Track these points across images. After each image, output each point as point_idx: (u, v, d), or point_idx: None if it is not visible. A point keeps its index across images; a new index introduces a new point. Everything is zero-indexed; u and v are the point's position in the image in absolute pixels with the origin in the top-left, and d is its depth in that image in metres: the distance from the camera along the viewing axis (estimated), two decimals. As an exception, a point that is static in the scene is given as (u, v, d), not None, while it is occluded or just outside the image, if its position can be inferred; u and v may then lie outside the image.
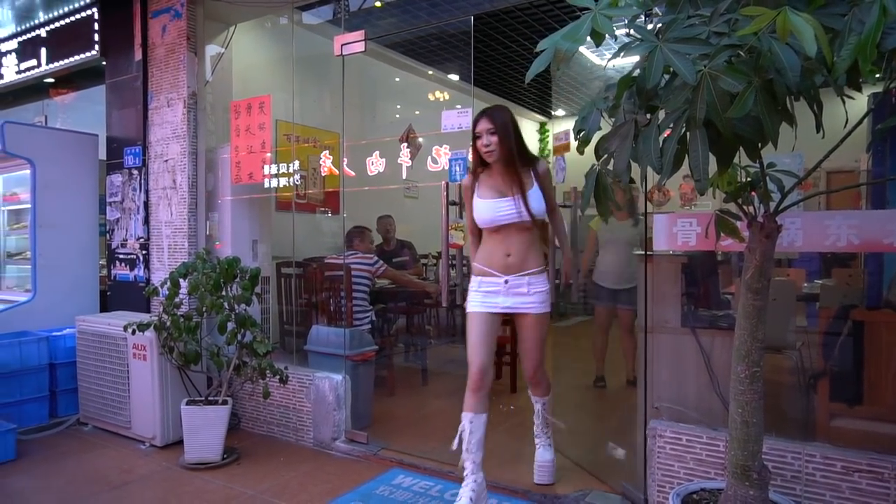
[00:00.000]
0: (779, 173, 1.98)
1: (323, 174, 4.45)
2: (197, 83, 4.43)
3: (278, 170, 4.22)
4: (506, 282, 2.72)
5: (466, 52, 3.68)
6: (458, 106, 3.44)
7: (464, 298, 2.89)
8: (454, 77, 7.28)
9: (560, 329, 6.33)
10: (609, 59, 1.81)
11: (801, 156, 2.34)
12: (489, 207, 2.70)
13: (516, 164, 2.66)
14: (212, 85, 4.58)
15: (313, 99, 5.27)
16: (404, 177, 3.87)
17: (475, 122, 2.70)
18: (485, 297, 2.75)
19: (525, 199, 2.65)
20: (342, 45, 3.68)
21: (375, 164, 3.84)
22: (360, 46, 3.65)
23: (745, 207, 2.02)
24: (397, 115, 7.51)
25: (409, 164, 3.76)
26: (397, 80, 7.24)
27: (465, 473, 2.70)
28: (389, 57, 6.74)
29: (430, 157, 3.58)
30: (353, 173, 4.06)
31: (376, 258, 4.80)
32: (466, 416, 2.70)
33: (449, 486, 3.14)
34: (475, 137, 2.70)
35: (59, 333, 4.30)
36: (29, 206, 4.75)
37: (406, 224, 6.18)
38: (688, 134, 1.58)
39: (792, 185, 1.96)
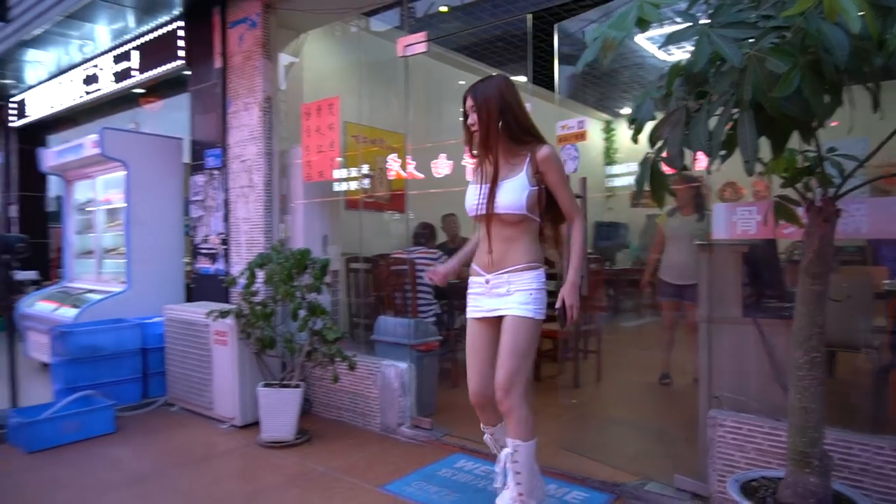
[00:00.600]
0: (840, 157, 1.97)
1: (390, 178, 4.64)
2: (271, 88, 4.70)
3: (348, 172, 4.44)
4: (486, 281, 2.39)
5: (528, 52, 3.75)
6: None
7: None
8: (521, 78, 7.35)
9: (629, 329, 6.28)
10: (660, 47, 1.86)
11: (866, 140, 2.29)
12: (467, 195, 2.45)
13: (494, 146, 2.33)
14: (284, 90, 4.86)
15: (380, 102, 5.47)
16: (469, 179, 3.96)
17: (463, 100, 2.41)
18: (472, 299, 2.46)
19: (493, 188, 2.32)
20: (405, 46, 3.84)
21: (441, 167, 3.97)
22: (422, 47, 3.80)
23: (804, 193, 2.02)
24: (461, 118, 7.63)
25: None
26: (462, 82, 7.38)
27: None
28: (455, 59, 6.88)
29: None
30: (421, 176, 4.19)
31: (440, 253, 4.94)
32: (486, 431, 2.57)
33: (509, 470, 3.23)
34: (464, 116, 2.43)
35: (149, 321, 4.66)
36: (123, 205, 5.17)
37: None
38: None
39: (852, 169, 1.94)
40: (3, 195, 8.61)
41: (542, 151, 2.33)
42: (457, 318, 5.67)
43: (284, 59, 4.91)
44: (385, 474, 3.22)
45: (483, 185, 2.36)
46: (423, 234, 5.10)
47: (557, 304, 2.36)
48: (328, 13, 4.68)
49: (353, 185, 4.50)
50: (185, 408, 4.43)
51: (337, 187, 4.60)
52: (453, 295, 5.40)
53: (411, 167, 4.22)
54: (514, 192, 2.31)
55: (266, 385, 3.78)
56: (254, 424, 3.93)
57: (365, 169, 4.44)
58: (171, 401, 4.54)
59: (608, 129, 10.65)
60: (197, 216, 5.16)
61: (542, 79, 4.23)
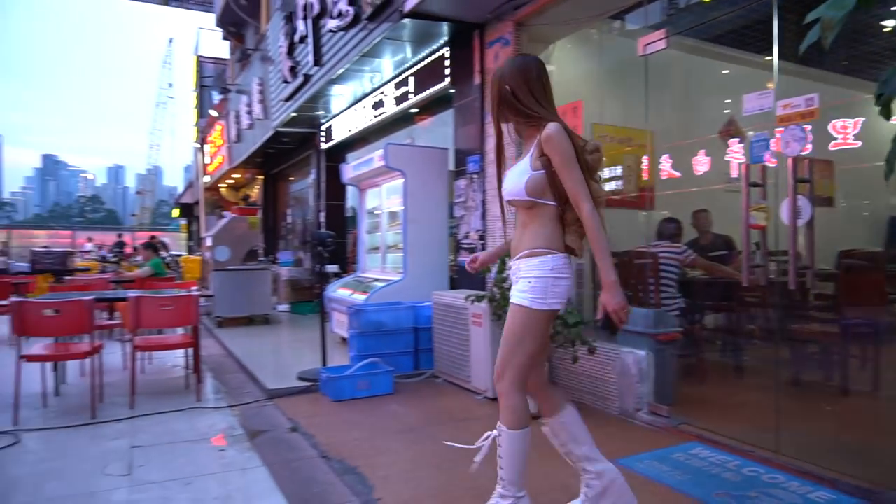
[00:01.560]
0: None
1: (644, 177, 4.78)
2: (522, 97, 5.19)
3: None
4: (509, 267, 2.43)
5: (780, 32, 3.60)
6: (769, 87, 3.41)
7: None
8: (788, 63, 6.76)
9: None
10: None
11: None
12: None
13: (497, 130, 2.38)
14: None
15: (628, 101, 5.61)
16: (734, 175, 3.87)
17: None
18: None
19: (499, 174, 2.36)
20: (645, 45, 3.98)
21: (699, 163, 4.00)
22: (661, 45, 3.91)
23: None
24: (723, 110, 7.29)
25: (742, 158, 3.80)
26: (725, 72, 7.05)
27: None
28: (713, 51, 6.64)
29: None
30: (678, 174, 4.25)
31: (685, 248, 4.91)
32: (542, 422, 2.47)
33: (748, 463, 3.19)
34: None
35: (420, 305, 5.50)
36: (402, 208, 6.16)
37: (727, 218, 6.04)
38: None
39: None
40: (315, 203, 10.68)
41: (546, 131, 2.19)
42: (704, 313, 5.53)
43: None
44: (617, 451, 3.42)
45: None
46: (669, 230, 5.11)
47: (598, 315, 2.20)
48: (576, 22, 5.02)
49: (600, 184, 4.75)
50: (448, 380, 5.14)
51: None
52: (699, 291, 5.29)
53: (666, 165, 4.30)
54: (515, 177, 2.29)
55: (513, 362, 4.24)
56: (503, 397, 4.42)
57: (618, 170, 4.65)
58: (437, 373, 5.30)
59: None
60: (459, 215, 5.91)
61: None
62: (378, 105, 7.83)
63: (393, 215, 6.82)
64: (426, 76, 6.60)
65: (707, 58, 6.76)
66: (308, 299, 10.06)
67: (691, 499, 2.83)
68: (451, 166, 6.22)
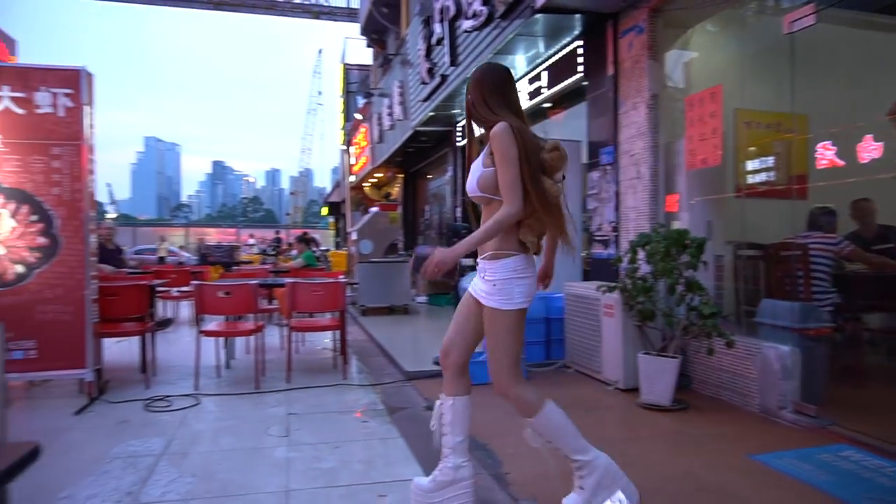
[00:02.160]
0: None
1: (795, 165, 4.50)
2: (656, 86, 5.08)
3: (735, 158, 4.50)
4: (476, 262, 2.48)
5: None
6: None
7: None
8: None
9: None
10: None
11: None
12: None
13: (467, 130, 2.44)
14: (671, 86, 5.17)
15: (776, 84, 5.27)
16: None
17: None
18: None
19: (465, 172, 2.40)
20: (791, 23, 3.76)
21: (867, 150, 3.69)
22: (810, 20, 3.67)
23: None
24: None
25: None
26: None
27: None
28: (876, 22, 6.03)
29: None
30: (841, 163, 3.95)
31: (841, 238, 4.54)
32: (440, 398, 2.57)
33: (908, 468, 2.94)
34: None
35: (552, 296, 5.56)
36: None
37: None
38: None
39: None
40: (452, 199, 11.05)
41: (493, 129, 2.26)
42: (863, 310, 5.08)
43: (672, 56, 5.23)
44: (756, 447, 3.29)
45: None
46: (823, 220, 4.74)
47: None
48: (715, 5, 4.82)
49: (744, 172, 4.54)
50: (579, 370, 5.16)
51: (722, 174, 4.70)
52: (858, 286, 4.86)
53: (826, 152, 4.02)
54: (472, 174, 2.34)
55: (646, 353, 4.19)
56: (634, 389, 4.38)
57: (759, 156, 4.43)
58: (568, 363, 5.34)
59: None
60: (592, 207, 5.88)
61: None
62: (511, 101, 7.97)
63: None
64: (559, 70, 6.62)
65: (874, 30, 6.15)
66: (445, 291, 10.44)
67: (836, 499, 2.67)
68: (584, 159, 6.20)
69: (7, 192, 4.26)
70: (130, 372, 5.31)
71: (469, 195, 2.45)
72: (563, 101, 7.19)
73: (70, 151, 4.33)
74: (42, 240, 4.30)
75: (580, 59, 6.12)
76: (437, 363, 5.45)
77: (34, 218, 4.29)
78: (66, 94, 4.32)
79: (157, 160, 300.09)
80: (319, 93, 70.11)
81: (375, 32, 18.55)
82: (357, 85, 22.93)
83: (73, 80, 4.34)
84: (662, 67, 5.15)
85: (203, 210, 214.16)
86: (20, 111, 4.27)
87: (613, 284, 4.48)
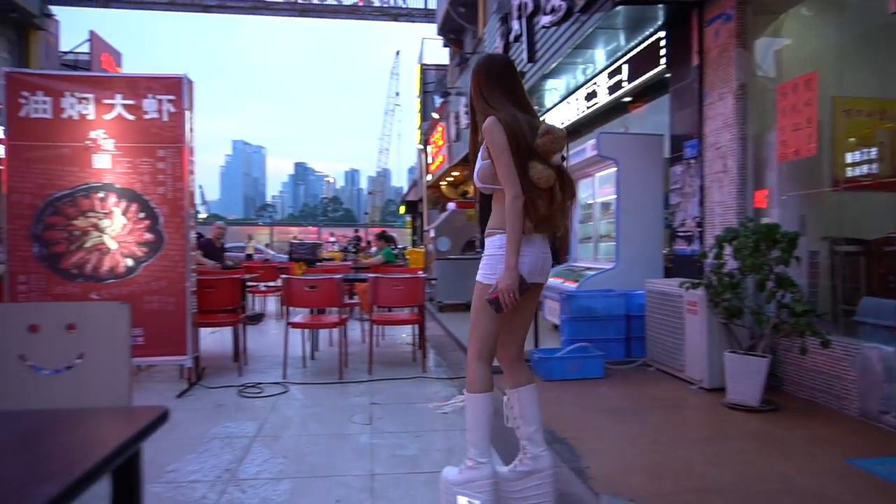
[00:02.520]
0: None
1: None
2: (745, 75, 4.88)
3: (832, 149, 4.27)
4: None
5: None
6: None
7: None
8: None
9: None
10: None
11: None
12: None
13: (471, 125, 2.61)
14: (761, 75, 4.96)
15: (879, 69, 4.96)
16: None
17: None
18: None
19: (472, 165, 2.57)
20: (897, 2, 3.52)
21: None
22: (918, -3, 3.43)
23: None
24: None
25: None
26: None
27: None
28: None
29: None
30: None
31: (953, 233, 4.21)
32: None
33: None
34: None
35: (633, 293, 5.46)
36: (613, 197, 6.15)
37: None
38: None
39: None
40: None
41: (484, 124, 2.38)
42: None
43: (762, 43, 5.01)
44: (854, 451, 3.12)
45: None
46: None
47: (490, 292, 2.34)
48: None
49: (842, 164, 4.30)
50: (660, 368, 5.04)
51: (818, 166, 4.47)
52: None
53: None
54: (476, 166, 2.50)
55: (732, 352, 4.05)
56: (720, 389, 4.24)
57: (860, 146, 4.19)
58: (649, 362, 5.23)
59: None
60: (675, 203, 5.73)
61: None
62: (591, 96, 7.86)
63: (605, 205, 6.82)
64: (640, 62, 6.48)
65: None
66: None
67: (946, 509, 2.50)
68: (667, 153, 6.05)
69: (119, 192, 4.63)
70: (224, 360, 5.65)
71: (476, 184, 2.57)
72: (644, 94, 7.03)
73: (173, 153, 4.66)
74: (148, 235, 4.65)
75: (662, 51, 5.97)
76: (514, 359, 5.48)
77: (142, 215, 4.65)
78: (170, 101, 4.65)
79: (244, 162, 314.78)
80: (397, 93, 71.28)
81: (452, 32, 18.72)
82: (434, 84, 23.20)
83: (176, 87, 4.67)
84: (751, 56, 4.95)
85: (286, 210, 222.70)
86: (130, 117, 4.63)
87: (698, 281, 4.36)
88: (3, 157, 4.51)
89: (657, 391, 4.47)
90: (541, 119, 2.56)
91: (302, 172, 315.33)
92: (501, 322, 2.48)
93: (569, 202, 2.50)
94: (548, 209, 2.38)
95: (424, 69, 24.12)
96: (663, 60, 5.97)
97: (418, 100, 25.12)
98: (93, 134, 4.59)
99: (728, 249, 4.15)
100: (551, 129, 2.40)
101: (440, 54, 22.57)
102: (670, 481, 2.81)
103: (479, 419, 2.46)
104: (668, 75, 5.95)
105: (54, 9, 19.83)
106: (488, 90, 2.49)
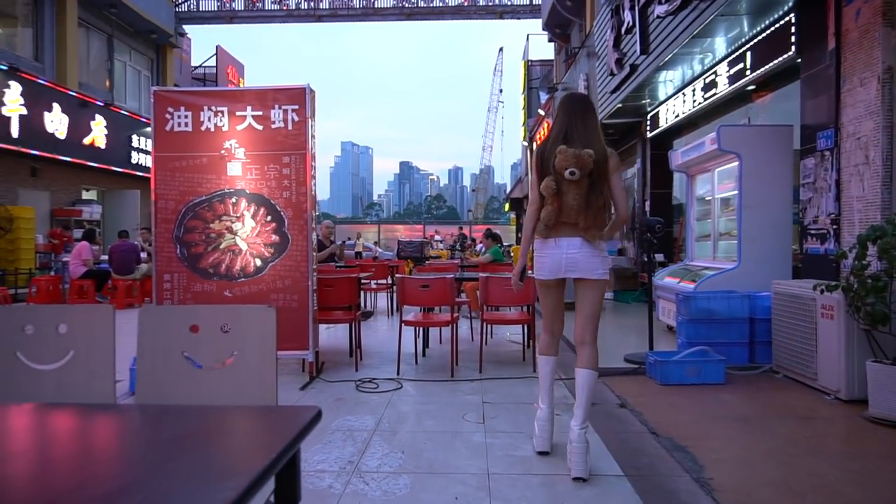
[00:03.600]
0: None
1: None
2: (892, 57, 4.45)
3: None
4: None
5: None
6: None
7: None
8: None
9: None
10: None
11: None
12: None
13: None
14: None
15: None
16: None
17: None
18: None
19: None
20: None
21: None
22: None
23: None
24: None
25: None
26: None
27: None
28: None
29: None
30: None
31: None
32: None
33: None
34: None
35: (757, 295, 5.14)
36: (734, 193, 5.81)
37: None
38: None
39: None
40: (640, 192, 10.64)
41: None
42: None
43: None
44: None
45: None
46: None
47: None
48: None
49: None
50: (789, 376, 4.72)
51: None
52: None
53: None
54: None
55: (876, 361, 3.72)
56: (859, 401, 3.91)
57: None
58: (776, 368, 4.90)
59: None
60: (806, 198, 5.32)
61: None
62: (709, 87, 7.47)
63: (725, 201, 6.46)
64: (766, 49, 6.07)
65: None
66: (632, 288, 10.11)
67: None
68: (796, 145, 5.63)
69: (249, 197, 4.98)
70: (341, 356, 5.93)
71: None
72: (768, 83, 6.59)
73: (297, 160, 4.95)
74: (275, 237, 4.97)
75: (792, 36, 5.55)
76: (628, 360, 5.35)
77: (269, 218, 4.98)
78: (294, 110, 4.94)
79: (353, 163, 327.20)
80: (500, 91, 71.18)
81: (558, 27, 18.42)
82: (539, 81, 22.96)
83: (300, 97, 4.95)
84: (899, 36, 4.50)
85: (392, 208, 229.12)
86: (259, 127, 4.97)
87: (834, 283, 4.03)
88: (152, 167, 4.98)
89: (786, 400, 4.19)
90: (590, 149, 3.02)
91: (407, 171, 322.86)
92: (546, 302, 3.31)
93: (601, 210, 3.05)
94: (565, 215, 2.99)
95: (529, 65, 23.93)
96: (793, 45, 5.56)
97: (523, 96, 24.97)
98: (227, 144, 4.97)
99: (872, 249, 3.81)
100: (562, 150, 2.95)
101: (545, 50, 22.30)
102: (806, 498, 2.63)
103: (542, 373, 3.30)
104: (798, 61, 5.53)
105: (186, 27, 21.60)
106: (554, 121, 3.21)
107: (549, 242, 3.07)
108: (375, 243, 31.37)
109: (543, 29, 19.67)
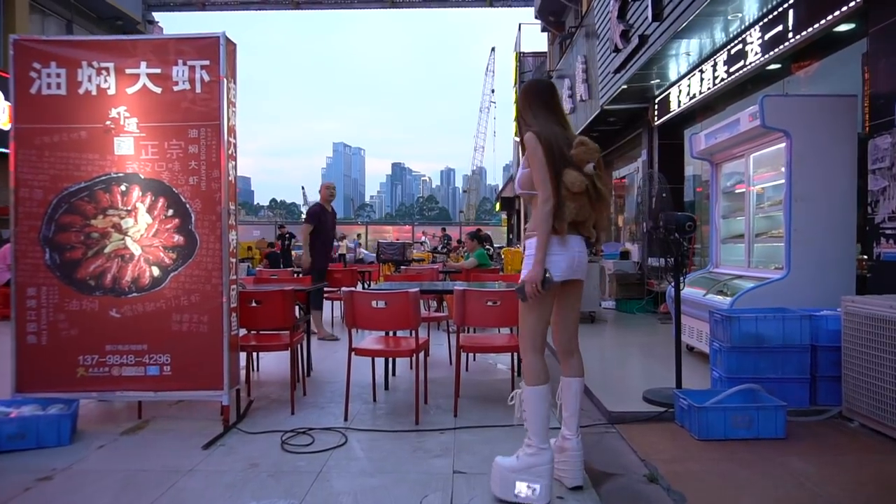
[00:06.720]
0: None
1: None
2: None
3: None
4: None
5: None
6: None
7: None
8: None
9: None
10: None
11: None
12: None
13: (520, 138, 2.92)
14: None
15: None
16: None
17: None
18: None
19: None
20: None
21: None
22: None
23: None
24: None
25: None
26: None
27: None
28: None
29: None
30: None
31: None
32: None
33: None
34: None
35: (818, 314, 3.92)
36: (778, 182, 4.60)
37: None
38: None
39: None
40: (647, 187, 9.41)
41: (525, 137, 2.75)
42: None
43: None
44: None
45: None
46: None
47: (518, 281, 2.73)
48: None
49: None
50: (867, 424, 3.49)
51: None
52: None
53: None
54: (517, 174, 2.89)
55: None
56: None
57: None
58: (848, 413, 3.68)
59: None
60: (879, 188, 4.11)
61: None
62: (735, 58, 6.25)
63: (762, 195, 5.24)
64: (815, 3, 4.86)
65: None
66: (637, 296, 8.91)
67: None
68: (860, 123, 4.42)
69: (143, 184, 3.72)
70: (285, 388, 4.62)
71: (516, 191, 2.86)
72: (813, 49, 5.38)
73: (208, 133, 3.69)
74: (178, 238, 3.71)
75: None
76: (648, 399, 4.13)
77: (170, 212, 3.71)
78: (203, 67, 3.68)
79: (345, 164, 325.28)
80: (493, 91, 70.16)
81: (552, 13, 17.25)
82: (531, 73, 21.78)
83: (211, 50, 3.69)
84: None
85: (384, 209, 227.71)
86: (156, 89, 3.70)
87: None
88: (11, 144, 3.70)
89: (881, 466, 2.97)
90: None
91: (399, 172, 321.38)
92: (543, 314, 2.73)
93: (604, 211, 2.82)
94: (578, 214, 2.67)
95: (521, 57, 22.74)
96: (856, -6, 4.35)
97: (514, 90, 23.78)
98: (113, 112, 3.70)
99: None
100: (584, 141, 2.70)
101: (537, 41, 21.13)
102: None
103: (539, 409, 2.66)
104: (855, 21, 4.32)
105: (156, 15, 20.20)
106: (533, 109, 2.82)
107: (568, 240, 2.71)
108: (358, 245, 30.03)
109: (536, 17, 18.47)
